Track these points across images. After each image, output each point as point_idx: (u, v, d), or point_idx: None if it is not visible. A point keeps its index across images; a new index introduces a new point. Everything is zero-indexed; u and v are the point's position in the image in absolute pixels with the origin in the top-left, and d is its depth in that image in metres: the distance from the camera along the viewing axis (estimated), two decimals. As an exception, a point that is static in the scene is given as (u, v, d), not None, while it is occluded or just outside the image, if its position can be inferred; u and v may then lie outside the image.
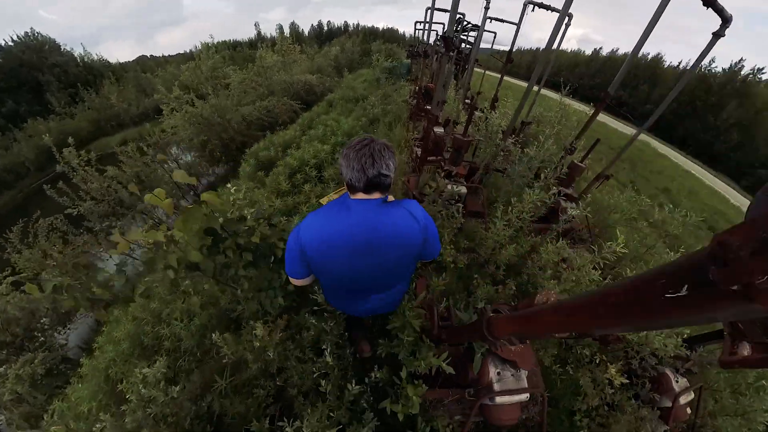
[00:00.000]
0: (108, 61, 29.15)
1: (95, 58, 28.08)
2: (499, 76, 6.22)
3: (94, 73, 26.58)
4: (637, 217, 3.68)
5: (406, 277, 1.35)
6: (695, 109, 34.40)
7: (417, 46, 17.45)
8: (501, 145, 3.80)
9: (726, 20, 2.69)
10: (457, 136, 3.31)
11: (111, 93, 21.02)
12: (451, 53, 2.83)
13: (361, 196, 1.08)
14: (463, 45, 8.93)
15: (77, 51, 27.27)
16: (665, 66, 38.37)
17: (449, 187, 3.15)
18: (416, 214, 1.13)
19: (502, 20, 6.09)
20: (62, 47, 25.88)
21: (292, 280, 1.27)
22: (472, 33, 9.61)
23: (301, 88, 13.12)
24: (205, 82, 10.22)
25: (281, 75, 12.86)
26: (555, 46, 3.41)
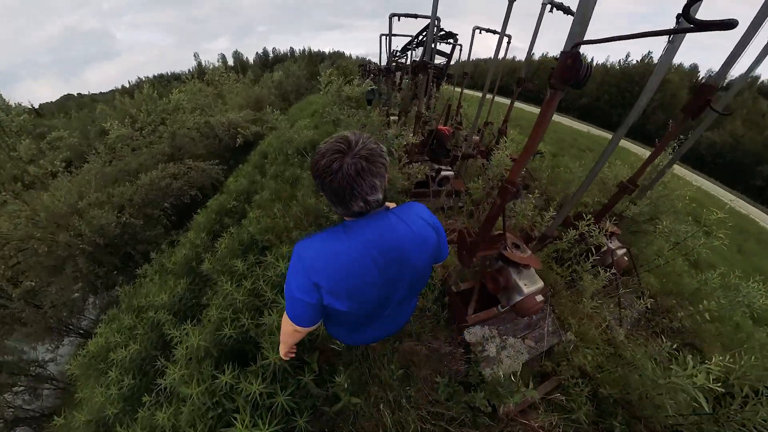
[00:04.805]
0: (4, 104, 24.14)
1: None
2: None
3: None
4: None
5: (425, 283, 1.25)
6: (624, 98, 41.20)
7: (368, 65, 14.92)
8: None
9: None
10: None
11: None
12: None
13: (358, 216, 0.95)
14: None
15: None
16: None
17: None
18: (424, 216, 1.06)
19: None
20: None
21: (299, 329, 1.01)
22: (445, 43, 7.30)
23: (224, 132, 10.11)
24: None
25: (195, 117, 9.75)
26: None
